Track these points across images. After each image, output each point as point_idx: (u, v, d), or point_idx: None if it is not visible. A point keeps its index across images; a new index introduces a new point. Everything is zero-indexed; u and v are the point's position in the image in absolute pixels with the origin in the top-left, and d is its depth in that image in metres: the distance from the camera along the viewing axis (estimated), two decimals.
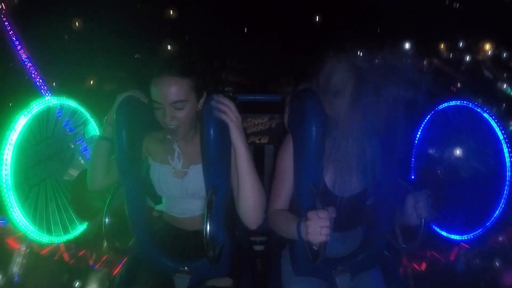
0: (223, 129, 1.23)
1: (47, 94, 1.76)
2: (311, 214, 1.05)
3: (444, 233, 1.87)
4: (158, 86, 1.21)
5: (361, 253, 1.37)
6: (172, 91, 1.21)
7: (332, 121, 1.29)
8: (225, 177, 1.28)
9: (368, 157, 1.33)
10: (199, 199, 1.36)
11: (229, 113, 1.21)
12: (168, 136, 1.38)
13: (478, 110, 1.78)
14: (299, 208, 1.26)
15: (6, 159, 1.54)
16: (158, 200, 1.44)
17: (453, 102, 1.90)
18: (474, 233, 1.75)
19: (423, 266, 2.07)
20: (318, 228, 1.03)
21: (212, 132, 1.19)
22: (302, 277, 1.38)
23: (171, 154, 1.38)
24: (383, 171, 1.34)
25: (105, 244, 1.31)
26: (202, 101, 1.31)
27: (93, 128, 2.03)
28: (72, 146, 1.93)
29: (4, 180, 1.53)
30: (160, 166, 1.38)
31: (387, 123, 1.29)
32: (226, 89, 1.89)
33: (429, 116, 2.02)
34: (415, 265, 2.01)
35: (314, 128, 1.17)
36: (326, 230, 1.03)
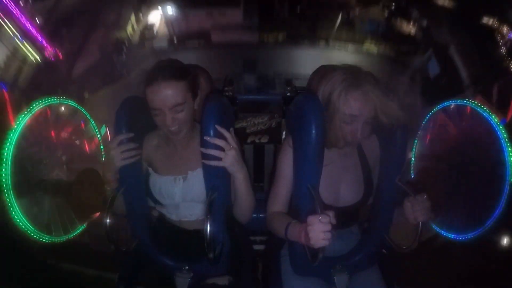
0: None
1: None
2: (312, 219, 1.05)
3: (444, 233, 1.87)
4: (155, 93, 1.20)
5: (359, 252, 1.38)
6: (170, 95, 1.20)
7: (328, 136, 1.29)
8: (225, 178, 1.29)
9: (363, 167, 1.35)
10: (199, 203, 1.36)
11: (227, 150, 1.21)
12: (166, 144, 1.39)
13: (478, 109, 1.78)
14: (298, 210, 1.27)
15: (6, 159, 1.54)
16: (158, 201, 1.44)
17: (453, 101, 1.90)
18: (474, 233, 1.75)
19: (422, 265, 2.07)
20: (320, 233, 1.04)
21: (212, 134, 1.19)
22: (301, 276, 1.38)
23: (170, 162, 1.38)
24: (382, 173, 1.35)
25: (106, 244, 1.31)
26: (198, 100, 1.32)
27: (93, 128, 2.03)
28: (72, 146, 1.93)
29: (4, 180, 1.53)
30: (159, 177, 1.38)
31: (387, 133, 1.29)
32: (225, 88, 1.89)
33: (429, 115, 2.02)
34: (413, 264, 2.01)
35: (314, 130, 1.17)
36: (327, 235, 1.04)
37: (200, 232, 1.31)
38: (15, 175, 1.57)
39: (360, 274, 1.39)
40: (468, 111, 1.84)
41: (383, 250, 1.47)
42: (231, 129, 1.27)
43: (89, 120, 2.00)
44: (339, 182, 1.33)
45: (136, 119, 1.31)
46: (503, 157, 1.68)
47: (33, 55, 2.71)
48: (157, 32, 5.04)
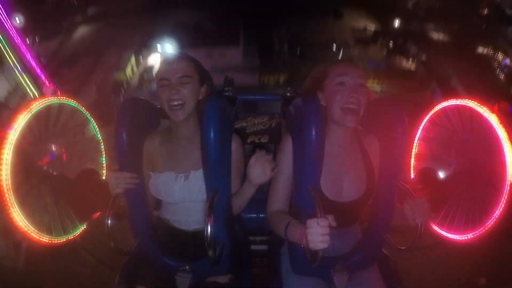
0: (223, 132, 1.23)
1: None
2: (311, 222, 1.06)
3: (444, 233, 1.87)
4: (167, 63, 1.33)
5: (359, 252, 1.38)
6: (180, 67, 1.32)
7: (330, 124, 1.31)
8: (225, 179, 1.29)
9: (366, 164, 1.35)
10: (199, 203, 1.36)
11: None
12: (168, 142, 1.40)
13: (478, 109, 1.78)
14: (298, 211, 1.27)
15: (6, 159, 1.53)
16: (158, 201, 1.44)
17: (453, 101, 1.90)
18: (474, 233, 1.75)
19: (422, 265, 2.07)
20: (319, 236, 1.04)
21: (212, 135, 1.19)
22: (301, 275, 1.39)
23: (173, 159, 1.38)
24: (382, 173, 1.35)
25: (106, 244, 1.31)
26: (203, 90, 1.38)
27: (93, 128, 2.03)
28: (72, 146, 1.92)
29: (4, 180, 1.52)
30: (160, 175, 1.38)
31: (385, 123, 1.31)
32: (226, 88, 1.89)
33: (429, 115, 2.02)
34: (413, 264, 2.01)
35: (313, 131, 1.17)
36: (326, 238, 1.04)
37: (200, 232, 1.31)
38: (15, 175, 1.57)
39: (359, 274, 1.39)
40: (468, 111, 1.84)
41: (383, 250, 1.47)
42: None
43: (89, 120, 1.99)
44: (342, 177, 1.34)
45: (136, 120, 1.31)
46: (503, 157, 1.68)
47: (32, 90, 2.88)
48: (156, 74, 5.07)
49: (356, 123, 1.27)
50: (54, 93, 3.38)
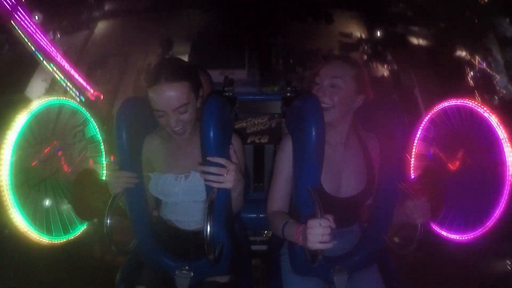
0: (223, 132, 1.23)
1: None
2: (312, 223, 1.06)
3: (444, 233, 1.87)
4: (158, 94, 1.19)
5: (359, 252, 1.38)
6: (173, 97, 1.19)
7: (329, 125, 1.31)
8: None
9: (366, 160, 1.36)
10: (199, 203, 1.36)
11: (226, 174, 1.20)
12: (168, 143, 1.40)
13: (478, 109, 1.78)
14: (298, 211, 1.27)
15: (6, 159, 1.53)
16: (158, 201, 1.44)
17: (453, 101, 1.90)
18: (474, 233, 1.75)
19: (422, 265, 2.07)
20: (319, 236, 1.04)
21: (212, 135, 1.19)
22: (301, 275, 1.39)
23: (172, 160, 1.38)
24: (382, 173, 1.35)
25: (106, 244, 1.31)
26: (200, 100, 1.32)
27: (93, 128, 2.03)
28: (72, 146, 1.93)
29: (4, 180, 1.52)
30: (160, 176, 1.38)
31: (385, 123, 1.31)
32: (226, 88, 1.89)
33: (429, 115, 2.03)
34: (413, 264, 2.01)
35: (314, 131, 1.17)
36: (327, 238, 1.04)
37: (200, 232, 1.32)
38: (15, 175, 1.57)
39: (359, 274, 1.39)
40: (468, 111, 1.84)
41: (383, 250, 1.47)
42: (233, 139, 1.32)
43: (89, 120, 2.00)
44: (341, 171, 1.34)
45: (136, 120, 1.31)
46: (503, 157, 1.69)
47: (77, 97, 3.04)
48: None
49: (329, 118, 1.28)
50: (98, 99, 3.61)
